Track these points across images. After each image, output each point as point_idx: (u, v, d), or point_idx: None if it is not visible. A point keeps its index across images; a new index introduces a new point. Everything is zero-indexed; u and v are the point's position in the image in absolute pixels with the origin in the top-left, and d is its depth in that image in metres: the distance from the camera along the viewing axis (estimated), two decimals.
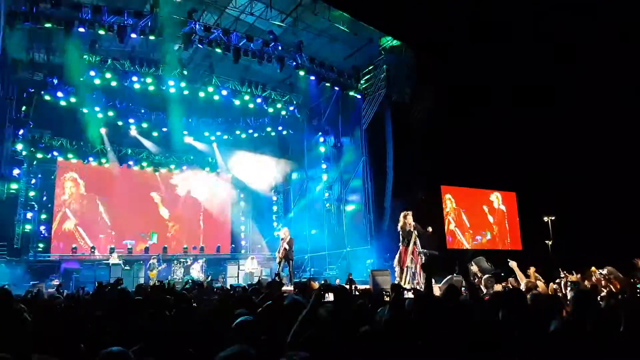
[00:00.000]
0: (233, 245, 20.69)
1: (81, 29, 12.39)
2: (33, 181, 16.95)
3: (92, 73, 14.66)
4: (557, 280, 7.51)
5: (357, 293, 7.63)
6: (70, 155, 17.71)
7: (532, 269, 7.74)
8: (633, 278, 7.05)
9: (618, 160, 15.46)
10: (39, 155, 16.91)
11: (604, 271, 7.11)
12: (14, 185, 15.34)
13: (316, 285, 6.44)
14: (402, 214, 11.05)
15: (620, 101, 14.77)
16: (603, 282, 6.88)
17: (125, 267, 15.34)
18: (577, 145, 16.18)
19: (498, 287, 7.56)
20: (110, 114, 16.69)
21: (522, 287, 6.66)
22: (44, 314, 3.85)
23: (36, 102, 15.36)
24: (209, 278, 15.59)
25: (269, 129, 19.48)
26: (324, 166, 18.70)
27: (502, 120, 15.76)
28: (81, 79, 14.80)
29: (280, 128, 19.52)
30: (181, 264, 16.96)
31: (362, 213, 16.59)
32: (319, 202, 18.79)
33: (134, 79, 15.18)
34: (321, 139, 18.85)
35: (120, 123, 17.39)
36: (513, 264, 7.50)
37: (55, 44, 14.51)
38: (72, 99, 15.47)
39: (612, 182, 15.37)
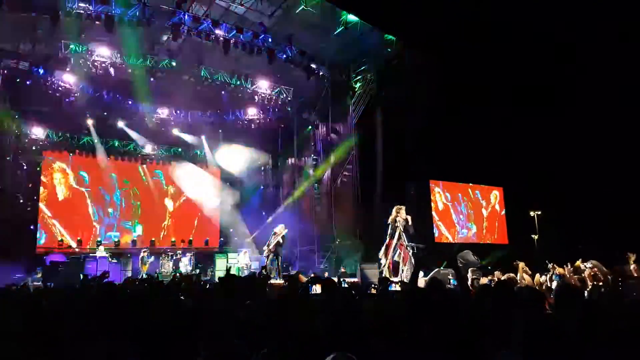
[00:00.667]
0: (222, 239, 20.61)
1: (67, 18, 12.16)
2: (18, 172, 16.66)
3: (82, 63, 14.42)
4: (545, 274, 7.63)
5: (346, 286, 7.67)
6: (56, 147, 17.44)
7: (521, 264, 7.83)
8: (619, 271, 7.17)
9: (606, 155, 15.69)
10: (24, 147, 16.61)
11: (588, 264, 7.23)
12: None
13: (304, 278, 6.45)
14: (395, 208, 11.07)
15: (609, 98, 14.97)
16: (587, 275, 7.01)
17: (112, 260, 15.21)
18: (564, 141, 16.39)
19: (484, 280, 7.66)
20: (97, 105, 16.44)
21: (504, 278, 6.76)
22: (28, 308, 3.81)
23: (21, 92, 15.06)
24: (197, 272, 15.57)
25: (258, 122, 19.37)
26: (313, 160, 18.68)
27: (490, 116, 15.89)
28: (67, 69, 14.56)
29: (269, 121, 19.41)
30: (169, 257, 16.86)
31: (352, 207, 16.63)
32: (309, 196, 18.79)
33: (121, 69, 14.95)
34: (311, 133, 18.82)
35: (107, 114, 17.15)
36: (520, 265, 7.58)
37: (41, 33, 14.23)
38: (58, 90, 15.20)
39: (600, 176, 15.60)
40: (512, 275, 6.86)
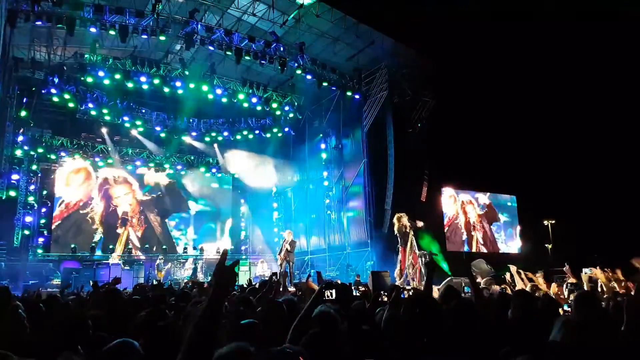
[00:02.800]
0: (232, 247, 20.63)
1: (82, 28, 12.40)
2: (33, 180, 16.88)
3: (95, 72, 14.64)
4: (560, 282, 7.47)
5: (357, 294, 7.60)
6: (70, 155, 17.66)
7: (538, 275, 7.67)
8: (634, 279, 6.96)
9: (619, 162, 15.46)
10: (39, 154, 16.83)
11: (587, 270, 7.09)
12: (12, 193, 15.24)
13: (314, 285, 6.39)
14: (395, 217, 11.06)
15: (621, 102, 14.80)
16: (585, 280, 6.87)
17: (125, 268, 15.31)
18: (577, 149, 16.19)
19: (496, 289, 7.53)
20: (111, 113, 16.68)
21: (528, 289, 6.63)
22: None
23: (36, 101, 15.32)
24: (209, 278, 15.60)
25: (270, 130, 19.44)
26: (325, 168, 18.67)
27: (504, 122, 15.78)
28: (82, 78, 14.80)
29: (281, 129, 19.46)
30: (182, 264, 16.94)
31: (363, 214, 16.56)
32: (320, 204, 18.76)
33: (135, 78, 15.15)
34: (322, 141, 18.84)
35: (120, 122, 17.38)
36: (513, 269, 7.44)
37: (56, 43, 14.51)
38: (73, 98, 15.45)
39: (613, 184, 15.36)
40: (535, 284, 6.72)
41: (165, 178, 19.98)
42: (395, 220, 10.98)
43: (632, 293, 6.05)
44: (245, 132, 19.34)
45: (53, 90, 14.92)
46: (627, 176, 15.15)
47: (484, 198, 19.11)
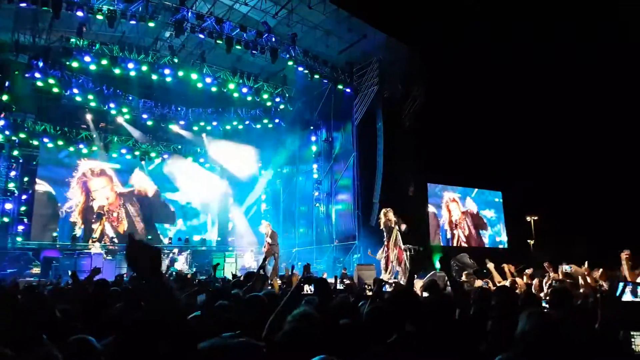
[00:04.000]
0: (219, 239, 20.51)
1: (69, 12, 12.09)
2: (14, 166, 16.49)
3: (81, 57, 14.31)
4: (541, 278, 7.55)
5: (342, 287, 7.61)
6: (54, 141, 17.29)
7: (511, 267, 7.75)
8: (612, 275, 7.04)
9: (603, 158, 15.69)
10: (21, 140, 16.42)
11: (567, 267, 7.18)
12: None
13: (299, 277, 6.36)
14: (382, 212, 11.17)
15: (605, 98, 15.00)
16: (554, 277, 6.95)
17: (107, 257, 15.11)
18: (561, 145, 16.39)
19: (479, 283, 7.59)
20: (97, 99, 16.36)
21: (507, 283, 6.69)
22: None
23: (20, 85, 14.94)
24: (194, 270, 15.49)
25: (259, 121, 19.29)
26: (314, 161, 18.62)
27: (491, 119, 15.87)
28: (67, 63, 14.47)
29: (271, 121, 19.32)
30: (166, 255, 16.75)
31: (351, 208, 16.58)
32: (308, 196, 18.72)
33: (122, 64, 14.86)
34: (313, 133, 18.76)
35: (106, 109, 17.05)
36: (490, 265, 7.49)
37: (41, 26, 14.15)
38: (58, 83, 15.11)
39: (596, 179, 15.58)
40: (516, 279, 6.79)
41: (151, 166, 19.65)
42: (381, 215, 11.11)
43: (604, 286, 6.15)
44: (234, 123, 19.14)
45: (37, 75, 14.50)
46: (612, 172, 15.37)
47: (470, 193, 19.11)
